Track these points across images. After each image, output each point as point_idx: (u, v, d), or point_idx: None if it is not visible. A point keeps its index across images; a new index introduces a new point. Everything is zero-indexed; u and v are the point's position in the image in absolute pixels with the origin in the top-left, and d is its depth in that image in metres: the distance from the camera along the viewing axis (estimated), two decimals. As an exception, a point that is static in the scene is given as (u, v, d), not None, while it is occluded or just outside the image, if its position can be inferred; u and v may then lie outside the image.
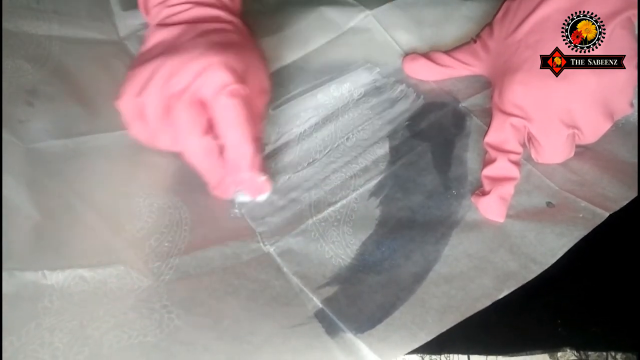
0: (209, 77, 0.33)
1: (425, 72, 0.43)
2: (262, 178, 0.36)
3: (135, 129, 0.35)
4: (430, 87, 0.43)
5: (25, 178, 0.34)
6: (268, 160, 0.39)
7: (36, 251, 0.32)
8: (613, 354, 0.33)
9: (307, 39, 0.46)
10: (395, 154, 0.39)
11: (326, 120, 0.42)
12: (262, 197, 0.37)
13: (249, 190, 0.36)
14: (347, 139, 0.40)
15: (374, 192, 0.37)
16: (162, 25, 0.36)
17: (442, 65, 0.43)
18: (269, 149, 0.40)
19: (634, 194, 0.36)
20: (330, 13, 0.48)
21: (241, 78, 0.34)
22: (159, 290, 0.32)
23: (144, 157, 0.38)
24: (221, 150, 0.34)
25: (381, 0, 0.48)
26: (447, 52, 0.43)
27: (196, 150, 0.34)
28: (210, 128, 0.34)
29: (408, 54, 0.45)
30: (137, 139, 0.36)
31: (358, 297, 0.32)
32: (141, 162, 0.38)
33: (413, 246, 0.35)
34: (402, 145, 0.40)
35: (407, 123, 0.41)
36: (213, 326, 0.30)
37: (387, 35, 0.46)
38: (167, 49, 0.34)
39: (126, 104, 0.34)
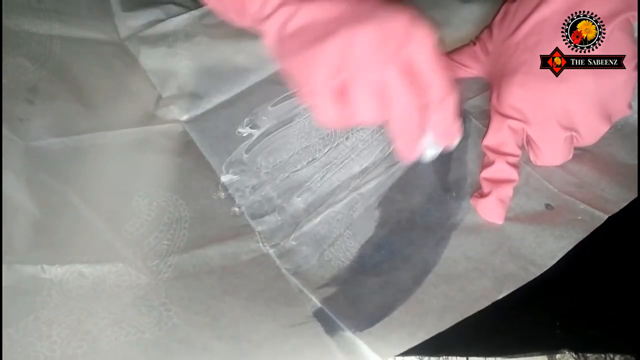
0: (414, 36, 0.31)
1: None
2: (457, 125, 0.35)
3: (330, 112, 0.32)
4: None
5: (25, 175, 0.35)
6: (267, 157, 0.39)
7: (35, 245, 0.32)
8: (612, 356, 0.32)
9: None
10: (395, 155, 0.39)
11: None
12: (455, 143, 0.37)
13: (445, 137, 0.36)
14: (347, 138, 0.40)
15: (373, 194, 0.37)
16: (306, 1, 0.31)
17: (441, 67, 0.43)
18: (268, 143, 0.40)
19: (633, 196, 0.36)
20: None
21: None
22: (157, 288, 0.32)
23: (143, 156, 0.38)
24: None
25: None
26: (447, 54, 0.43)
27: (414, 112, 0.32)
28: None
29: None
30: (327, 123, 0.33)
31: (357, 298, 0.32)
32: (140, 160, 0.38)
33: (412, 248, 0.35)
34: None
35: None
36: (212, 325, 0.30)
37: (387, 37, 0.46)
38: (343, 20, 0.30)
39: (322, 88, 0.31)
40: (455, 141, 0.37)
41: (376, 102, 0.31)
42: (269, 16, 0.32)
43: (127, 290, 0.31)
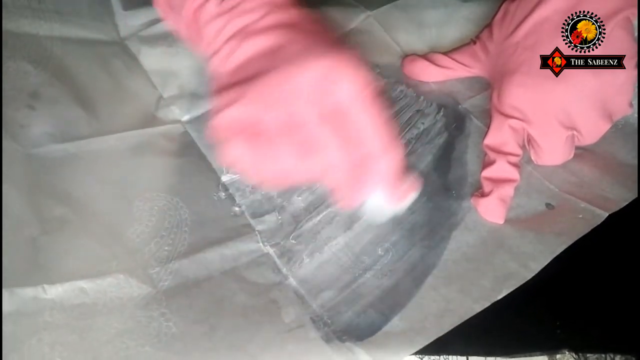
0: (340, 82, 0.27)
1: (425, 74, 0.43)
2: (408, 183, 0.31)
3: (238, 153, 0.29)
4: (430, 88, 0.43)
5: (25, 186, 0.34)
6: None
7: (36, 265, 0.32)
8: (612, 356, 0.32)
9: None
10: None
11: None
12: (408, 202, 0.32)
13: (394, 197, 0.31)
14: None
15: (374, 193, 0.37)
16: (246, 35, 0.30)
17: (441, 67, 0.43)
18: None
19: (634, 196, 0.36)
20: (331, 14, 0.48)
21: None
22: (157, 297, 0.32)
23: (144, 159, 0.38)
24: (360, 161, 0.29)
25: (382, 2, 0.48)
26: (447, 53, 0.43)
27: (343, 165, 0.29)
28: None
29: (408, 55, 0.45)
30: (239, 167, 0.29)
31: (357, 303, 0.32)
32: (141, 164, 0.38)
33: (413, 250, 0.35)
34: (402, 147, 0.40)
35: (407, 124, 0.41)
36: (210, 335, 0.30)
37: (387, 37, 0.47)
38: (273, 60, 0.29)
39: (231, 121, 0.29)
40: (406, 200, 0.32)
41: (297, 148, 0.28)
42: (216, 52, 0.31)
43: (128, 301, 0.31)
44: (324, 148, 0.28)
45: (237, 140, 0.28)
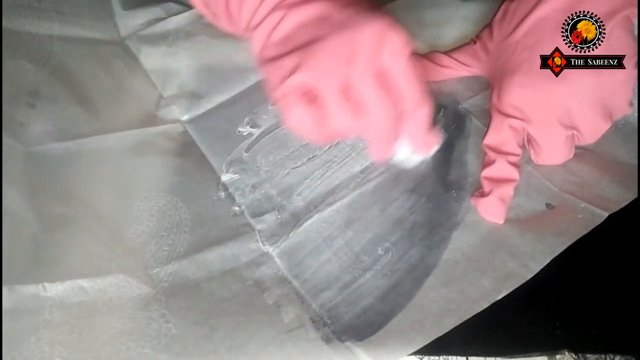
0: (387, 44, 0.30)
1: (425, 73, 0.43)
2: (433, 134, 0.36)
3: (300, 117, 0.31)
4: (430, 87, 0.43)
5: (25, 184, 0.34)
6: (267, 156, 0.39)
7: (36, 263, 0.32)
8: (612, 356, 0.33)
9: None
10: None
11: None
12: (432, 152, 0.37)
13: (422, 146, 0.36)
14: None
15: (374, 193, 0.37)
16: (290, 5, 0.31)
17: (441, 66, 0.43)
18: (269, 140, 0.40)
19: (634, 196, 0.36)
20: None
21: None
22: (157, 298, 0.32)
23: (144, 159, 0.38)
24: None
25: (381, 1, 0.48)
26: (447, 53, 0.43)
27: (388, 121, 0.32)
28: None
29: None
30: (298, 129, 0.32)
31: (357, 304, 0.32)
32: (141, 163, 0.38)
33: (413, 250, 0.35)
34: (402, 146, 0.40)
35: (407, 124, 0.41)
36: (209, 336, 0.30)
37: (387, 36, 0.46)
38: (322, 28, 0.31)
39: (297, 86, 0.31)
40: (432, 150, 0.37)
41: (349, 109, 0.31)
42: (257, 25, 0.32)
43: (128, 301, 0.31)
44: (372, 106, 0.31)
45: (299, 105, 0.31)
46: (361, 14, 0.31)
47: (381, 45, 0.30)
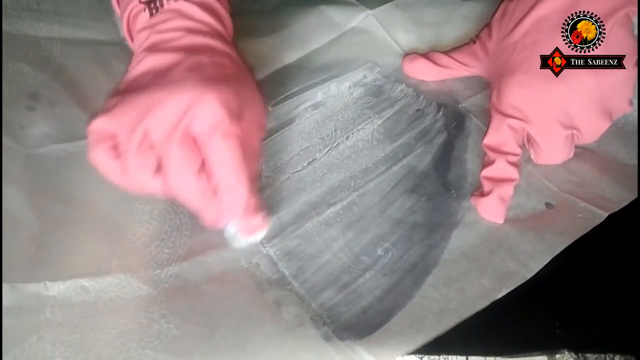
0: (202, 113, 0.29)
1: (425, 73, 0.43)
2: (257, 220, 0.33)
3: (99, 159, 0.31)
4: (430, 87, 0.43)
5: (26, 186, 0.35)
6: (267, 161, 0.39)
7: (37, 262, 0.32)
8: (611, 356, 0.33)
9: (308, 39, 0.46)
10: (395, 155, 0.39)
11: (326, 119, 0.42)
12: (257, 237, 0.34)
13: (244, 231, 0.33)
14: (347, 138, 0.40)
15: (374, 194, 0.37)
16: (153, 50, 0.32)
17: (441, 66, 0.43)
18: (268, 146, 0.40)
19: (634, 196, 0.36)
20: (331, 13, 0.48)
21: (236, 115, 0.31)
22: (158, 299, 0.32)
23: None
24: (215, 189, 0.31)
25: (381, 0, 0.48)
26: (447, 52, 0.43)
27: (191, 190, 0.31)
28: (203, 166, 0.31)
29: (408, 54, 0.45)
30: (101, 170, 0.31)
31: (357, 303, 0.32)
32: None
33: (413, 250, 0.35)
34: (402, 146, 0.40)
35: (406, 123, 0.41)
36: (210, 336, 0.30)
37: (387, 35, 0.46)
38: (157, 79, 0.31)
39: (99, 129, 0.30)
40: (255, 235, 0.34)
41: (146, 166, 0.30)
42: (133, 59, 0.33)
43: (129, 302, 0.31)
44: (170, 169, 0.30)
45: (100, 146, 0.30)
46: (193, 78, 0.30)
47: (186, 113, 0.29)
